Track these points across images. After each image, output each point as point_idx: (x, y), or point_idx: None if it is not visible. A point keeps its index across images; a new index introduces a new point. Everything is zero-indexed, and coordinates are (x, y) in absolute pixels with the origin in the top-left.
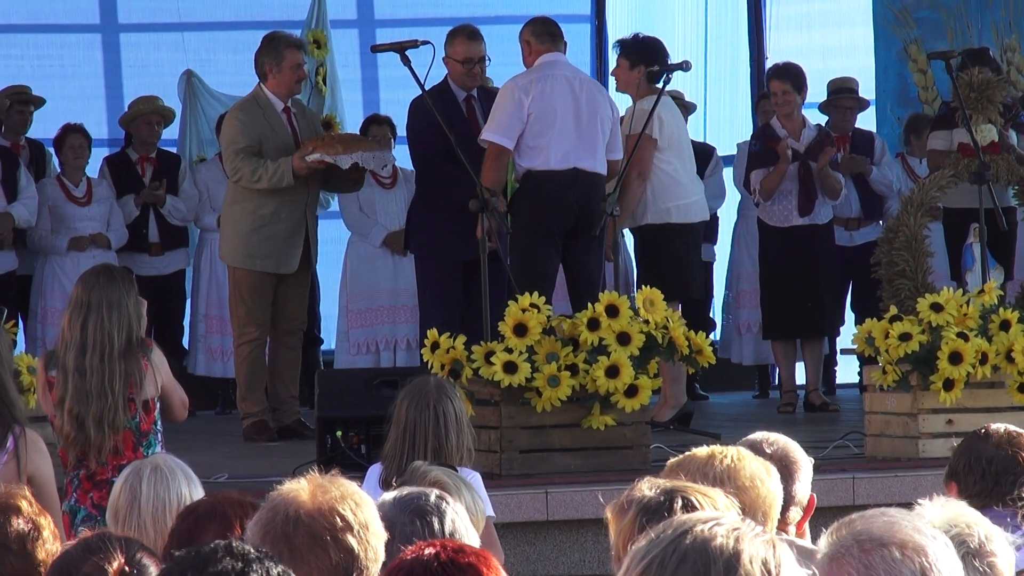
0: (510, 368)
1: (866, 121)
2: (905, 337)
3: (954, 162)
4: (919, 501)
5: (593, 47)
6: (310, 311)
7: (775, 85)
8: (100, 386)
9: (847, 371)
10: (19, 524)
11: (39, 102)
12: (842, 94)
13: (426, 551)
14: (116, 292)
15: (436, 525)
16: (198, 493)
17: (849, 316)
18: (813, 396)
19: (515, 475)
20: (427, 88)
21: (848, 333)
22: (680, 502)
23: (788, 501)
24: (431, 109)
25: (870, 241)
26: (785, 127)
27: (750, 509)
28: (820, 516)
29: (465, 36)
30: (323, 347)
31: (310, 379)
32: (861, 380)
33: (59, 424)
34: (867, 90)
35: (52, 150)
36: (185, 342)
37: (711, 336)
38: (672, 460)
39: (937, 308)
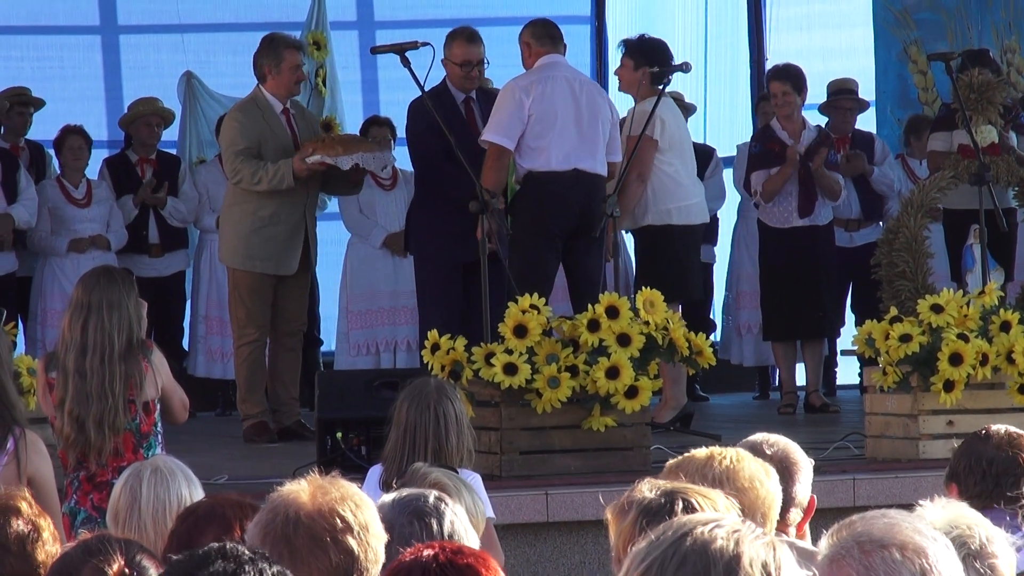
0: (510, 369)
1: (866, 122)
2: (905, 338)
3: (954, 163)
4: (920, 502)
5: (593, 48)
6: (310, 312)
7: (775, 86)
8: (100, 388)
9: (847, 372)
10: (19, 526)
11: (39, 104)
12: (842, 95)
13: (425, 552)
14: (116, 293)
15: (435, 527)
16: (198, 494)
17: (849, 317)
18: (813, 397)
19: (515, 476)
20: (426, 90)
21: (848, 334)
22: (680, 503)
23: (788, 502)
24: (431, 110)
25: (870, 242)
26: (785, 128)
27: (749, 510)
28: (820, 517)
29: (464, 39)
30: (323, 348)
31: (310, 380)
32: (861, 381)
33: (59, 426)
34: (867, 91)
35: (52, 152)
36: (185, 343)
37: (711, 337)
38: (671, 461)
39: (937, 309)
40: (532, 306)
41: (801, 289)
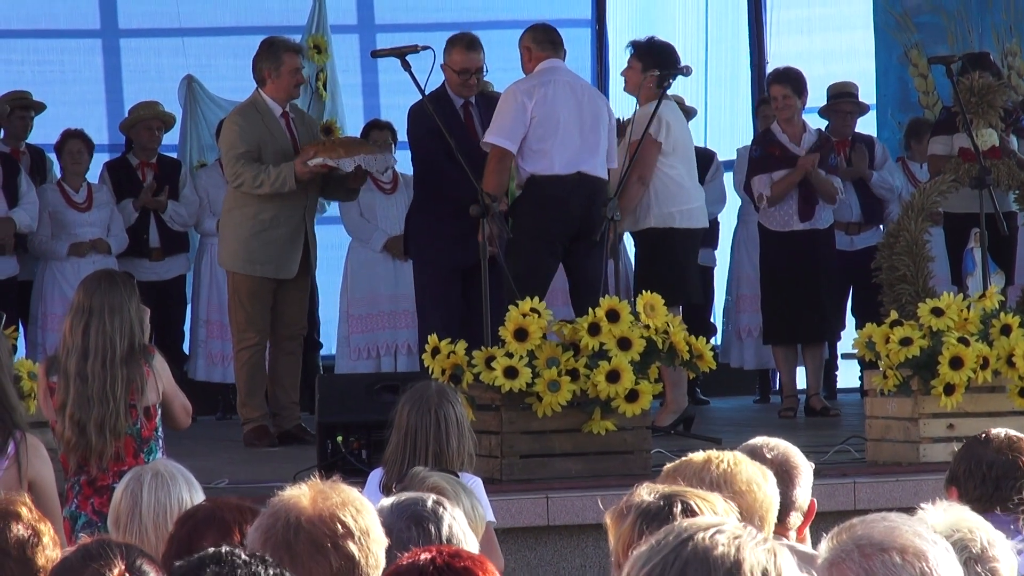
0: (511, 373)
1: (866, 126)
2: (906, 342)
3: (955, 167)
4: (922, 505)
5: (593, 52)
6: (310, 316)
7: (775, 90)
8: (102, 392)
9: (848, 376)
10: (19, 530)
11: (39, 107)
12: (842, 98)
13: (422, 556)
14: (118, 297)
15: (433, 531)
16: (199, 498)
17: (850, 320)
18: (814, 401)
19: (516, 480)
20: (426, 93)
21: (849, 338)
22: (679, 507)
23: (789, 506)
24: (431, 114)
25: (871, 246)
26: (785, 132)
27: (747, 513)
28: (821, 521)
29: (463, 46)
30: (323, 352)
31: (310, 384)
32: (862, 385)
33: (60, 430)
34: (867, 95)
35: (53, 156)
36: (185, 347)
37: (711, 341)
38: (669, 465)
39: (938, 313)
40: (533, 310)
41: (801, 293)
